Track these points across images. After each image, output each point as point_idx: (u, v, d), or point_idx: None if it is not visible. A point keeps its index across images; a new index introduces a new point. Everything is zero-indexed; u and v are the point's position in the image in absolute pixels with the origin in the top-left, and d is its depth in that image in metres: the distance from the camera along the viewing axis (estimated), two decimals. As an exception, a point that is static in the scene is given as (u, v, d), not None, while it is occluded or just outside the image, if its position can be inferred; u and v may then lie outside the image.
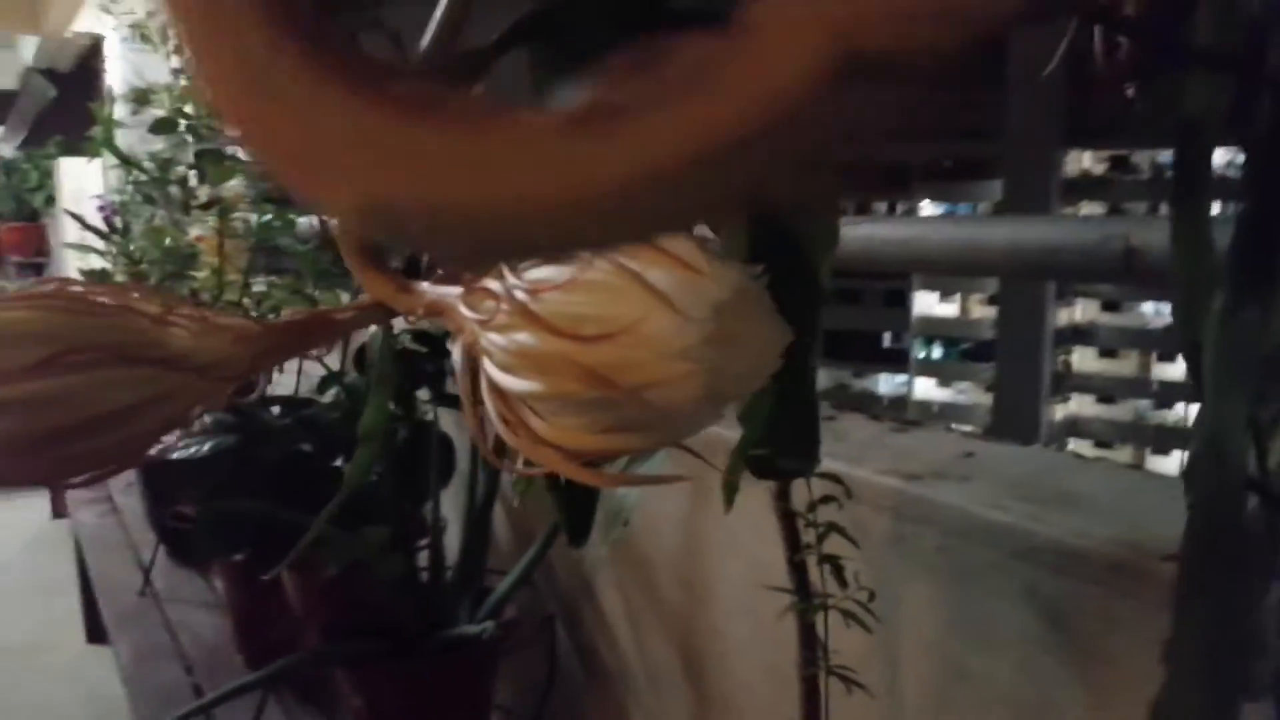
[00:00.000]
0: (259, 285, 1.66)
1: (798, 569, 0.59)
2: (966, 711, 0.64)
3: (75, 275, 2.41)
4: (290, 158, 0.10)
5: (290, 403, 1.14)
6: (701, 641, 0.90)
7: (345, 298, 1.45)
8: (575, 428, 0.22)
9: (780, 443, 0.49)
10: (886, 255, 0.69)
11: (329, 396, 1.17)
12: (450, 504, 1.12)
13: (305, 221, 1.38)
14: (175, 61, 2.15)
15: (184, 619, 1.60)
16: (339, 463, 1.08)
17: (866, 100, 0.11)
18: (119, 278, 2.00)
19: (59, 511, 2.77)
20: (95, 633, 2.56)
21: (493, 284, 0.23)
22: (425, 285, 0.28)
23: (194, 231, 1.90)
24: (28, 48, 5.19)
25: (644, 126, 0.10)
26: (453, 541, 1.08)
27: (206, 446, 0.95)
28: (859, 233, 0.71)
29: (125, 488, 2.11)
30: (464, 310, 0.24)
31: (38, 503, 3.41)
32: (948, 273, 2.05)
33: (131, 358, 0.24)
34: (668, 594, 0.94)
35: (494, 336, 0.22)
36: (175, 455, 0.95)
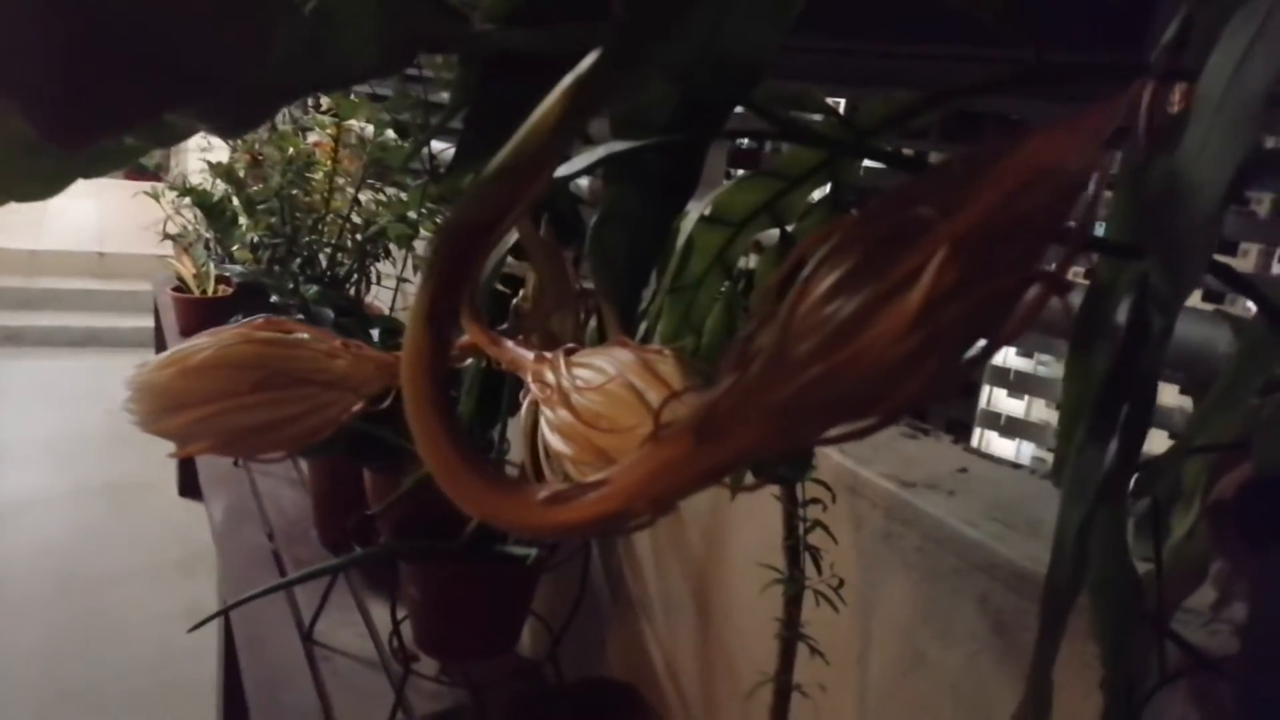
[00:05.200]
0: (364, 195, 1.80)
1: (790, 552, 0.70)
2: (918, 692, 0.75)
3: (198, 161, 2.58)
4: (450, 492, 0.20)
5: (389, 326, 1.28)
6: (714, 589, 1.03)
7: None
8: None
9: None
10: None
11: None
12: (516, 431, 1.25)
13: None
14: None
15: (270, 490, 1.79)
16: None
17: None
18: (240, 171, 2.16)
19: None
20: (187, 487, 2.83)
21: (550, 374, 0.34)
22: (509, 344, 0.40)
23: (312, 137, 2.05)
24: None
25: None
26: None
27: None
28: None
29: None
30: (531, 378, 0.36)
31: (145, 355, 3.71)
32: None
33: (309, 380, 0.36)
34: (690, 543, 1.06)
35: (545, 409, 0.33)
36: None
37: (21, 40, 0.14)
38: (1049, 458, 1.02)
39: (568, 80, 0.17)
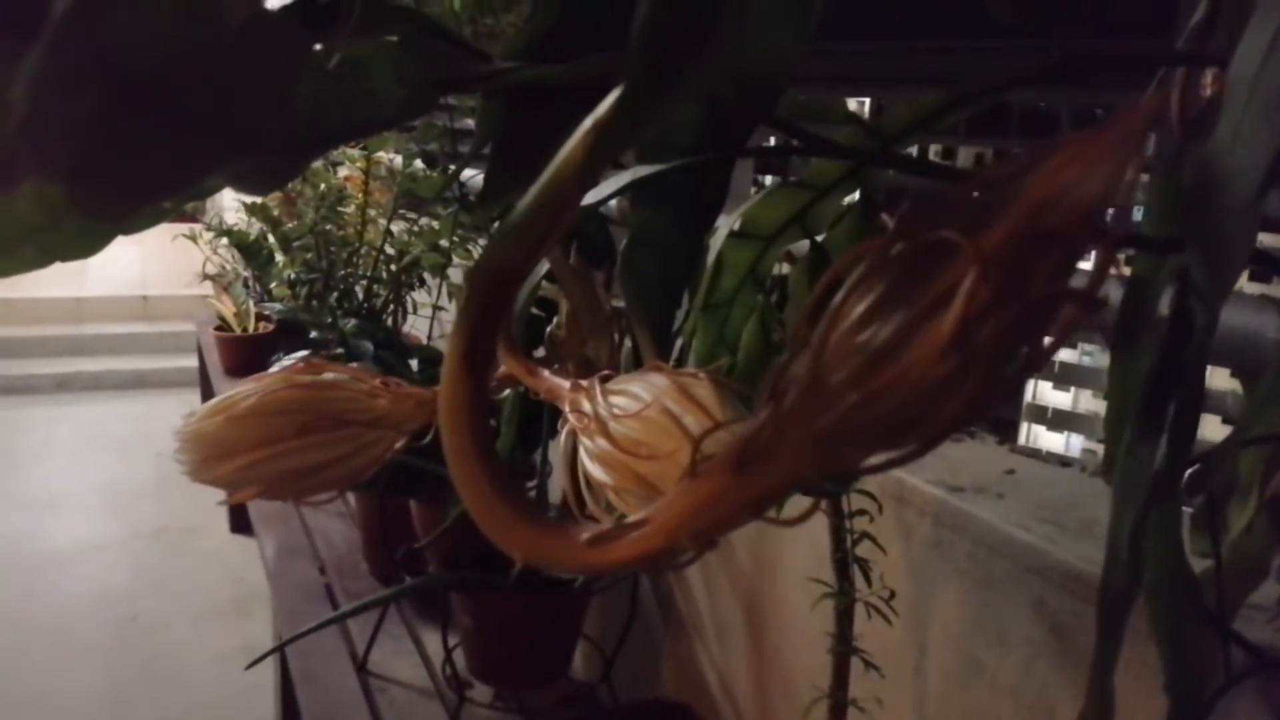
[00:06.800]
0: (397, 226, 1.83)
1: (839, 565, 0.69)
2: (976, 701, 0.74)
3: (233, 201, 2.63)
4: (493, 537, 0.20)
5: (427, 356, 1.29)
6: (765, 606, 1.02)
7: (476, 251, 1.59)
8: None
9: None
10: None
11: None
12: (557, 454, 1.26)
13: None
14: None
15: (320, 525, 1.80)
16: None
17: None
18: (275, 209, 2.20)
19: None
20: (238, 524, 2.87)
21: (587, 403, 0.34)
22: (546, 373, 0.40)
23: (343, 172, 2.08)
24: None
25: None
26: (557, 488, 1.23)
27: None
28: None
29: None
30: (569, 407, 0.36)
31: (192, 395, 3.77)
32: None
33: (352, 420, 0.37)
34: (740, 562, 1.06)
35: (583, 439, 0.33)
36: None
37: (63, 120, 0.15)
38: (1099, 449, 1.00)
39: (588, 123, 0.17)
